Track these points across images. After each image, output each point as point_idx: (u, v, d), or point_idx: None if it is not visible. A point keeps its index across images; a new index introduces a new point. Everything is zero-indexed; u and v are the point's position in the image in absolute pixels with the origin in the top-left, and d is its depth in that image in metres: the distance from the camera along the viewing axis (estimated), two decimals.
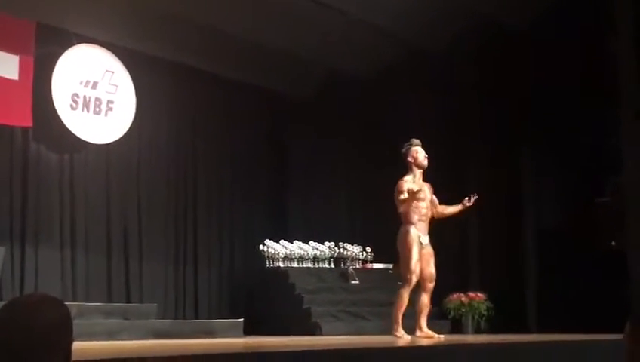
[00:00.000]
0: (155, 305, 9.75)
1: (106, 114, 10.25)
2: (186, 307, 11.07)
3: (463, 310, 10.22)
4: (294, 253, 10.99)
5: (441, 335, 7.40)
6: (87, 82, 10.09)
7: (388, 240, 11.78)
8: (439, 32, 10.70)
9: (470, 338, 9.34)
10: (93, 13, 9.45)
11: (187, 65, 10.89)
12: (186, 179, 11.39)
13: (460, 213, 7.82)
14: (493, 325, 10.11)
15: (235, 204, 11.76)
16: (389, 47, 11.10)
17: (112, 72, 10.34)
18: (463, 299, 10.25)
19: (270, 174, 12.36)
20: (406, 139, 7.63)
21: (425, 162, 7.42)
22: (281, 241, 11.09)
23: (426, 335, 7.20)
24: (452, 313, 10.27)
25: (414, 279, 7.15)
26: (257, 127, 12.17)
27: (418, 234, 7.26)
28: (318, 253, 11.12)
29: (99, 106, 10.19)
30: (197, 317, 10.87)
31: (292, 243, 11.15)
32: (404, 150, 7.47)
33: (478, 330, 10.20)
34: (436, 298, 10.67)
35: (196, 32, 10.06)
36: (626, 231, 9.33)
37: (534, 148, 10.79)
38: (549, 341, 7.20)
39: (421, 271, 7.26)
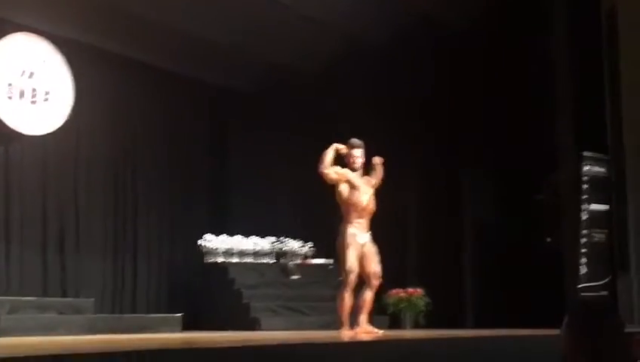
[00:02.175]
0: (92, 299, 9.59)
1: (42, 104, 10.03)
2: (124, 302, 10.92)
3: (402, 305, 10.30)
4: (234, 248, 10.94)
5: (380, 331, 7.42)
6: (24, 72, 9.87)
7: (328, 235, 11.84)
8: (381, 26, 10.74)
9: (409, 333, 9.42)
10: (31, 1, 9.24)
11: (128, 56, 10.73)
12: (125, 172, 11.24)
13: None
14: (432, 320, 10.21)
15: (176, 197, 11.64)
16: (332, 41, 11.12)
17: (50, 62, 10.13)
18: (401, 294, 10.33)
19: (211, 168, 12.27)
20: (348, 134, 7.60)
21: (355, 166, 7.34)
22: (222, 236, 11.02)
23: (365, 331, 7.21)
24: (391, 308, 10.34)
25: (352, 278, 7.11)
26: (198, 120, 12.07)
27: (355, 233, 7.21)
28: (259, 247, 11.09)
29: (35, 96, 9.97)
30: (135, 312, 10.73)
31: (232, 237, 11.09)
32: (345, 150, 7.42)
33: (416, 326, 10.29)
34: (375, 293, 10.76)
35: (137, 23, 9.92)
36: (561, 228, 9.53)
37: (473, 145, 10.92)
38: (486, 336, 7.30)
39: (363, 268, 7.24)
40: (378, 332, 7.25)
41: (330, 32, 10.85)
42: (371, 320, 7.50)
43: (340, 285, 7.30)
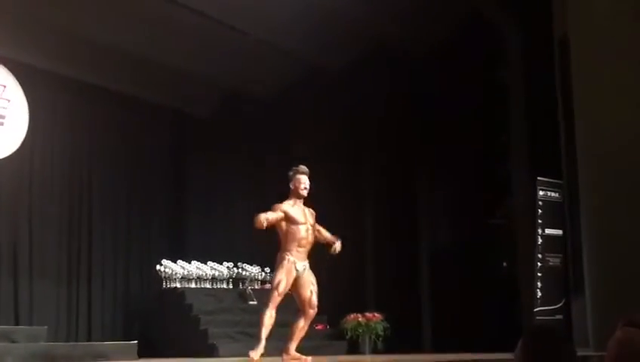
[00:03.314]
0: (45, 327, 9.42)
1: None
2: (79, 329, 10.75)
3: (360, 330, 10.29)
4: (192, 273, 10.84)
5: (309, 357, 7.26)
6: None
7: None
8: (340, 52, 10.83)
9: (367, 358, 9.41)
10: None
11: (84, 81, 10.66)
12: (81, 197, 11.11)
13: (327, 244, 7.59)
14: (390, 345, 10.22)
15: (132, 223, 11.53)
16: (290, 66, 11.18)
17: (4, 86, 10.02)
18: (360, 319, 10.33)
19: (168, 193, 12.18)
20: (304, 159, 7.56)
21: (304, 193, 7.22)
22: (179, 261, 10.92)
23: (293, 358, 7.09)
24: (349, 333, 10.33)
25: (276, 296, 7.00)
26: (156, 145, 12.00)
27: (294, 261, 7.12)
28: (217, 273, 11.01)
29: None
30: (90, 340, 10.56)
31: (190, 263, 11.00)
32: (290, 174, 7.34)
33: (375, 350, 10.28)
34: (333, 318, 10.75)
35: (93, 49, 9.87)
36: (516, 253, 9.62)
37: (429, 171, 11.02)
38: (442, 361, 7.32)
39: (299, 296, 7.15)
40: (306, 359, 7.11)
41: (290, 58, 10.90)
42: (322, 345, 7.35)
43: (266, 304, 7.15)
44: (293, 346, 7.14)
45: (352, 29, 10.29)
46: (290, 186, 7.25)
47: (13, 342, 8.58)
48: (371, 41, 10.75)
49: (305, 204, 7.26)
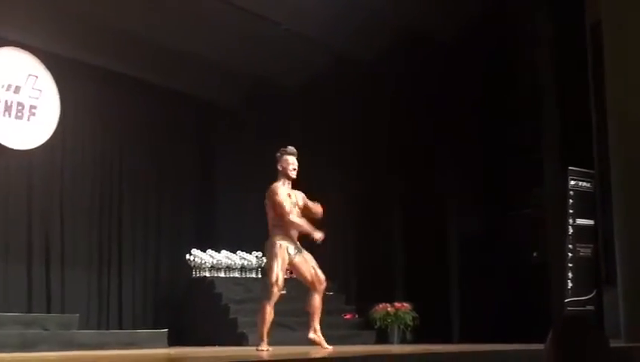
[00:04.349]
0: (77, 315, 9.52)
1: (28, 119, 10.00)
2: (110, 317, 10.85)
3: (389, 320, 10.28)
4: (221, 263, 10.89)
5: (330, 346, 7.20)
6: (10, 86, 9.83)
7: (315, 249, 11.83)
8: (368, 41, 10.78)
9: (396, 348, 9.39)
10: (17, 16, 9.23)
11: (114, 71, 10.72)
12: (111, 186, 11.19)
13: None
14: (419, 335, 10.19)
15: (162, 212, 11.60)
16: (318, 56, 11.15)
17: (36, 77, 10.11)
18: (388, 309, 10.31)
19: (198, 182, 12.23)
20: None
21: (292, 174, 7.11)
22: (208, 251, 10.97)
23: (319, 339, 7.04)
24: (378, 323, 10.32)
25: (275, 291, 6.92)
26: (185, 134, 12.05)
27: (286, 246, 7.05)
28: (246, 262, 11.05)
29: (21, 111, 9.94)
30: (120, 328, 10.66)
31: (219, 252, 11.05)
32: (277, 155, 7.28)
33: (403, 340, 10.27)
34: (362, 308, 10.74)
35: (123, 39, 9.91)
36: (547, 243, 9.54)
37: (459, 159, 10.94)
38: (472, 351, 7.28)
39: (304, 278, 7.10)
40: (327, 348, 7.06)
41: (319, 47, 10.87)
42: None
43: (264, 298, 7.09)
44: (317, 325, 7.10)
45: (379, 18, 10.23)
46: (278, 168, 7.15)
47: (45, 329, 8.69)
48: (399, 30, 10.68)
49: (294, 186, 7.16)
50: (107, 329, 10.55)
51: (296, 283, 11.24)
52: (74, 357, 6.70)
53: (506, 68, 10.49)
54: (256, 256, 11.12)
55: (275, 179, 7.21)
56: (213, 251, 11.01)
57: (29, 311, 9.75)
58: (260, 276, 11.12)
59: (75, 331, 8.99)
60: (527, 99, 10.00)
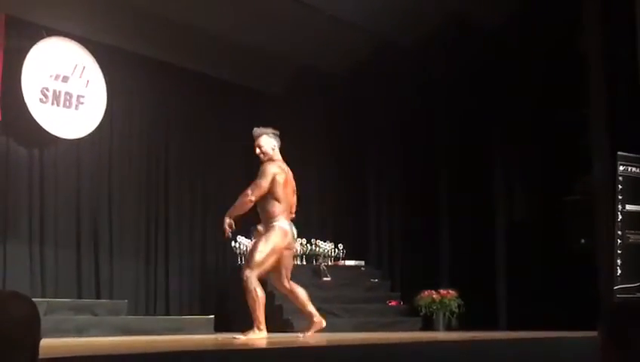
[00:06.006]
0: (126, 301, 9.67)
1: (76, 108, 10.14)
2: (157, 303, 10.99)
3: (435, 307, 10.27)
4: None
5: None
6: (58, 76, 9.98)
7: (360, 237, 11.85)
8: (412, 27, 10.72)
9: (442, 335, 9.38)
10: (65, 6, 9.35)
11: (159, 60, 10.81)
12: (158, 175, 11.31)
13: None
14: (464, 322, 10.16)
15: (208, 200, 11.69)
16: (363, 42, 11.12)
17: (84, 67, 10.23)
18: (434, 295, 10.30)
19: (243, 170, 12.28)
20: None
21: (261, 156, 7.08)
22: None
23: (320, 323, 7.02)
24: (423, 310, 10.32)
25: (262, 274, 6.99)
26: (231, 122, 12.11)
27: (293, 232, 7.01)
28: None
29: (69, 101, 10.08)
30: (168, 314, 10.80)
31: None
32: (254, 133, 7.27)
33: (449, 327, 10.25)
34: (407, 295, 10.74)
35: (169, 27, 9.99)
36: (595, 229, 9.42)
37: (505, 146, 10.85)
38: (518, 338, 7.25)
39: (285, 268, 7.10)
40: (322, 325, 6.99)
41: (362, 34, 10.84)
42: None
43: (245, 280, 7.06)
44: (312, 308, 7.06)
45: (424, 3, 10.16)
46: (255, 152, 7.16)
47: (95, 315, 8.84)
48: (444, 16, 10.60)
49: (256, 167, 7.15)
50: (155, 315, 10.69)
51: (343, 272, 11.29)
52: (125, 342, 6.82)
53: (552, 51, 10.36)
54: (301, 243, 11.16)
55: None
56: None
57: (79, 297, 9.92)
58: (304, 263, 11.18)
59: (124, 316, 9.13)
60: (575, 84, 9.86)
